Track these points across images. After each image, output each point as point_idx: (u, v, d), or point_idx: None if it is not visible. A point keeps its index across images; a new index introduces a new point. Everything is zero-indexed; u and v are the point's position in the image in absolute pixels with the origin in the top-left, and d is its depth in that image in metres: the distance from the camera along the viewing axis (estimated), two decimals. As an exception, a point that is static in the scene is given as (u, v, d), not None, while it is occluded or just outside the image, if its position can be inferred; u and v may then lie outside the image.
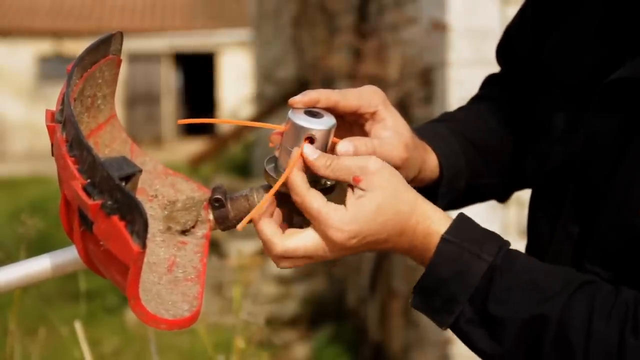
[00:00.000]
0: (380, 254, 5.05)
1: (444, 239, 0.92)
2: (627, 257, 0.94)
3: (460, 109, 1.27)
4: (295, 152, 0.95)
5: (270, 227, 0.95)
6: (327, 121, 0.97)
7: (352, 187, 0.93)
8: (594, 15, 1.05)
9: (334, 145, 0.98)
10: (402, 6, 4.74)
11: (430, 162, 1.10)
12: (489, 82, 1.31)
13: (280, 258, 0.94)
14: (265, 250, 0.96)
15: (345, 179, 0.93)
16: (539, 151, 1.10)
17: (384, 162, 0.93)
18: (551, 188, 1.07)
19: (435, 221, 0.93)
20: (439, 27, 4.12)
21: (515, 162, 1.22)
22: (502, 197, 1.28)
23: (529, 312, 0.89)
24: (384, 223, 0.92)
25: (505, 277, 0.90)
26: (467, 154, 1.14)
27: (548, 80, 1.10)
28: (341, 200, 0.94)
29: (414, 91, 4.51)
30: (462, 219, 0.94)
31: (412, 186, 1.05)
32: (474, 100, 1.30)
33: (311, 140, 0.95)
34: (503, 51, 1.27)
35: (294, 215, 0.99)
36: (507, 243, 0.93)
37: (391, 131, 1.01)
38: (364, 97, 1.01)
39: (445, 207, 1.13)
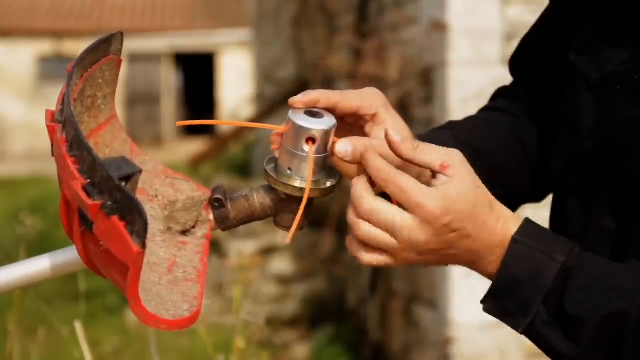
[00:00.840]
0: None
1: (514, 240, 0.91)
2: None
3: (468, 118, 1.26)
4: (308, 151, 0.95)
5: (364, 184, 0.92)
6: (328, 121, 0.97)
7: (433, 175, 0.92)
8: (618, 10, 1.05)
9: (333, 145, 0.98)
10: (402, 6, 4.74)
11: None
12: (499, 94, 1.30)
13: (363, 217, 0.91)
14: (352, 210, 0.92)
15: (430, 164, 0.92)
16: (568, 147, 1.09)
17: (464, 156, 0.93)
18: (581, 184, 1.06)
19: (507, 219, 0.93)
20: (439, 27, 4.12)
21: (528, 173, 1.22)
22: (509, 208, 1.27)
23: (607, 310, 0.88)
24: (472, 210, 0.91)
25: (579, 276, 0.90)
26: (471, 164, 1.14)
27: (573, 79, 1.10)
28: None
29: (414, 91, 4.51)
30: (530, 222, 0.94)
31: None
32: (483, 110, 1.29)
33: (312, 140, 0.95)
34: (519, 62, 1.27)
35: (301, 219, 0.99)
36: (577, 245, 0.93)
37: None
38: (365, 99, 1.01)
39: None
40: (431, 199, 0.89)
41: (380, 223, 0.91)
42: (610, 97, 1.01)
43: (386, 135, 0.92)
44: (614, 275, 0.90)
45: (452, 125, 1.23)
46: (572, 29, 1.13)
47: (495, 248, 0.92)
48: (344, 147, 0.97)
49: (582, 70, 1.08)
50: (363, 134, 1.02)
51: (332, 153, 0.97)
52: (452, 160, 0.92)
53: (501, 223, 0.92)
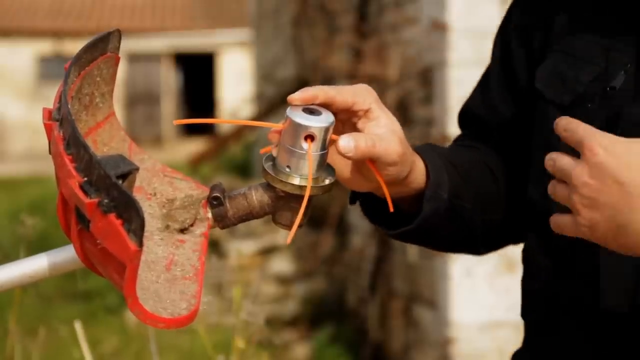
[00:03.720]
0: (379, 253, 5.05)
1: None
2: None
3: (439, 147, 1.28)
4: (307, 149, 0.95)
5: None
6: (326, 118, 0.96)
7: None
8: (581, 32, 1.08)
9: (332, 142, 0.98)
10: (402, 6, 4.74)
11: (418, 164, 1.09)
12: (456, 140, 1.32)
13: (603, 156, 0.86)
14: (589, 144, 0.87)
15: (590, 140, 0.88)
16: (545, 174, 1.09)
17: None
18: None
19: None
20: (439, 27, 4.12)
21: (498, 199, 1.21)
22: (481, 246, 1.24)
23: None
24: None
25: None
26: (448, 171, 1.14)
27: (544, 107, 1.11)
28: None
29: (414, 91, 4.51)
30: None
31: (402, 188, 1.06)
32: (455, 141, 1.31)
33: (311, 138, 0.95)
34: (465, 122, 1.29)
35: (295, 217, 0.99)
36: None
37: (385, 128, 1.01)
38: (359, 94, 1.01)
39: (429, 214, 1.09)
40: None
41: (610, 174, 0.86)
42: (584, 116, 1.02)
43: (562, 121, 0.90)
44: None
45: (431, 146, 1.22)
46: (536, 59, 1.15)
47: None
48: (347, 143, 0.97)
49: (552, 97, 1.09)
50: (355, 130, 1.02)
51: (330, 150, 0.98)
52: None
53: None
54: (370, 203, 1.13)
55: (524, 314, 1.17)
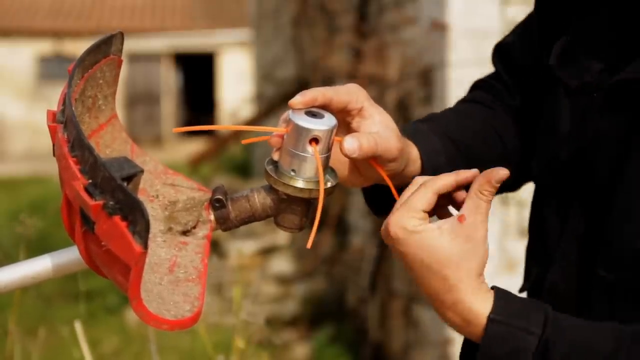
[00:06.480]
0: (379, 254, 5.05)
1: (491, 320, 0.91)
2: (635, 261, 0.94)
3: (446, 110, 1.28)
4: (314, 152, 0.95)
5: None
6: (329, 121, 0.97)
7: (445, 216, 0.94)
8: (600, 20, 1.06)
9: (335, 143, 0.98)
10: (402, 6, 4.74)
11: (413, 156, 1.10)
12: (477, 86, 1.32)
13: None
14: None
15: (465, 207, 0.93)
16: (547, 150, 1.10)
17: (485, 242, 0.93)
18: (559, 188, 1.07)
19: (475, 301, 0.92)
20: (439, 27, 4.12)
21: (507, 164, 1.23)
22: None
23: None
24: (431, 263, 0.92)
25: (558, 346, 0.89)
26: (448, 153, 1.15)
27: (554, 84, 1.11)
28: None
29: (414, 91, 4.51)
30: (501, 294, 0.93)
31: (399, 181, 1.07)
32: (461, 102, 1.30)
33: (315, 141, 0.95)
34: (502, 56, 1.28)
35: (302, 219, 0.99)
36: (550, 308, 0.92)
37: (381, 125, 1.02)
38: (352, 93, 1.02)
39: None
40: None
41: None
42: (587, 105, 1.02)
43: (487, 173, 0.94)
44: (591, 338, 0.90)
45: (432, 117, 1.24)
46: (554, 35, 1.14)
47: (460, 320, 0.93)
48: (351, 144, 0.98)
49: (562, 77, 1.09)
50: (349, 130, 1.03)
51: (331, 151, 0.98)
52: (469, 225, 0.92)
53: (462, 303, 0.92)
54: (370, 195, 1.16)
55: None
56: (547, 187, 1.11)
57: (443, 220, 0.92)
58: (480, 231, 0.92)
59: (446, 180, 0.96)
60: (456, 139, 1.17)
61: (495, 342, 0.90)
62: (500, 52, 1.28)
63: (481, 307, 0.92)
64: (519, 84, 1.24)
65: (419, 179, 0.97)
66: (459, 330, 0.94)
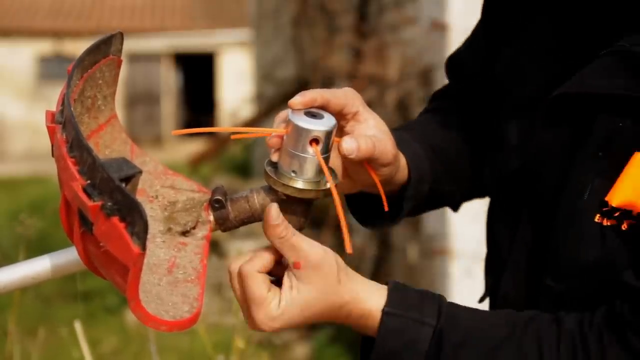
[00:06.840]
0: (379, 254, 5.05)
1: (385, 313, 0.93)
2: (580, 271, 0.95)
3: (417, 119, 1.30)
4: (315, 152, 0.95)
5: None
6: (329, 121, 0.97)
7: (289, 269, 0.95)
8: (544, 31, 1.08)
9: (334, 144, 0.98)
10: (402, 6, 4.74)
11: (402, 163, 1.11)
12: (437, 97, 1.33)
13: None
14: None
15: (287, 257, 0.94)
16: (497, 161, 1.11)
17: (325, 256, 0.94)
18: (509, 198, 1.09)
19: (369, 299, 0.95)
20: (439, 27, 4.12)
21: (473, 171, 1.24)
22: (457, 205, 1.30)
23: None
24: (310, 317, 0.94)
25: (452, 336, 0.92)
26: (429, 159, 1.16)
27: (501, 95, 1.13)
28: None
29: (414, 91, 4.51)
30: (396, 287, 0.96)
31: (391, 187, 1.07)
32: (426, 112, 1.31)
33: (316, 141, 0.95)
34: (453, 69, 1.30)
35: (301, 220, 0.99)
36: (444, 298, 0.95)
37: (376, 129, 1.03)
38: (348, 97, 1.02)
39: (409, 213, 1.15)
40: (262, 320, 0.95)
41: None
42: (532, 118, 1.03)
43: (266, 214, 0.94)
44: (484, 326, 0.93)
45: (409, 125, 1.26)
46: (500, 43, 1.15)
47: (357, 327, 0.96)
48: (350, 144, 0.98)
49: (508, 88, 1.10)
50: (344, 133, 1.04)
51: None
52: (307, 264, 0.93)
53: (355, 310, 0.94)
54: (353, 201, 1.17)
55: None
56: (499, 198, 1.13)
57: (287, 281, 0.93)
58: (313, 255, 0.93)
59: (259, 259, 0.96)
60: (433, 146, 1.19)
61: (390, 335, 0.93)
62: (452, 63, 1.30)
63: (375, 302, 0.94)
64: (471, 95, 1.26)
65: (234, 272, 0.96)
66: (358, 329, 0.96)
